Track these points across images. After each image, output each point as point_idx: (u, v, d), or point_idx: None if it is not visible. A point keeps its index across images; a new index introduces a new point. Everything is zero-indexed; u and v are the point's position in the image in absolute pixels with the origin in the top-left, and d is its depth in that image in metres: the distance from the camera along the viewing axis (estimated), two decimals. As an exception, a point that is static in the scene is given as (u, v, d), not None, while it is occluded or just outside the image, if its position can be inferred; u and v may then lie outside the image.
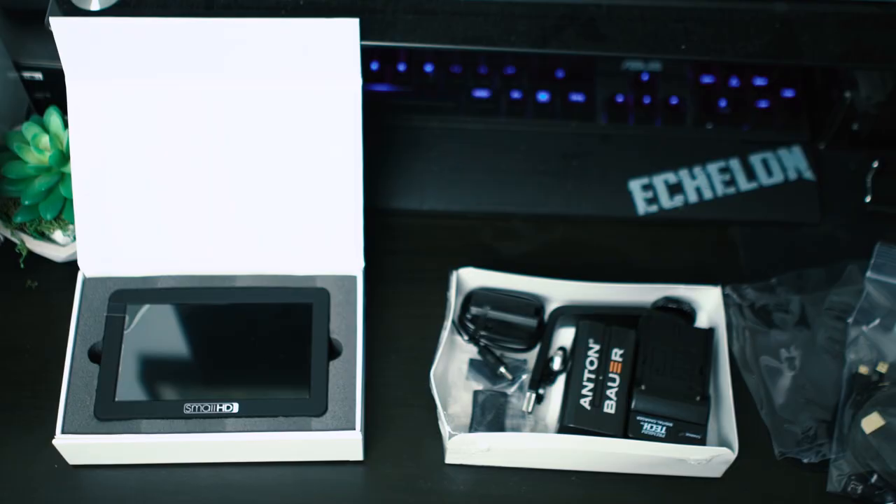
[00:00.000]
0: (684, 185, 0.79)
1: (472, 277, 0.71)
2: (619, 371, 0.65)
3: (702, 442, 0.64)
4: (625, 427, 0.64)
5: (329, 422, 0.64)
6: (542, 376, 0.69)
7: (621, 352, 0.65)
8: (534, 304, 0.71)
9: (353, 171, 0.69)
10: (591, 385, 0.64)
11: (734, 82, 0.83)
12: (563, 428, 0.64)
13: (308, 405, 0.64)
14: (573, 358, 0.66)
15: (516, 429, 0.67)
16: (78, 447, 0.63)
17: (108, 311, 0.67)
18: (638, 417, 0.64)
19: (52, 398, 0.64)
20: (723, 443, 0.66)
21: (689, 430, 0.64)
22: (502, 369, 0.69)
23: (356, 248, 0.69)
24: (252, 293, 0.68)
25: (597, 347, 0.66)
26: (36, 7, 0.70)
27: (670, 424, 0.64)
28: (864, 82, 0.79)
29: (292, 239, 0.69)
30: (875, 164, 0.81)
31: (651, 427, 0.64)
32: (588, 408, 0.63)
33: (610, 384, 0.64)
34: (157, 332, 0.67)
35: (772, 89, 0.83)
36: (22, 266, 0.74)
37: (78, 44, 0.65)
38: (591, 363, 0.65)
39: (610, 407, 0.63)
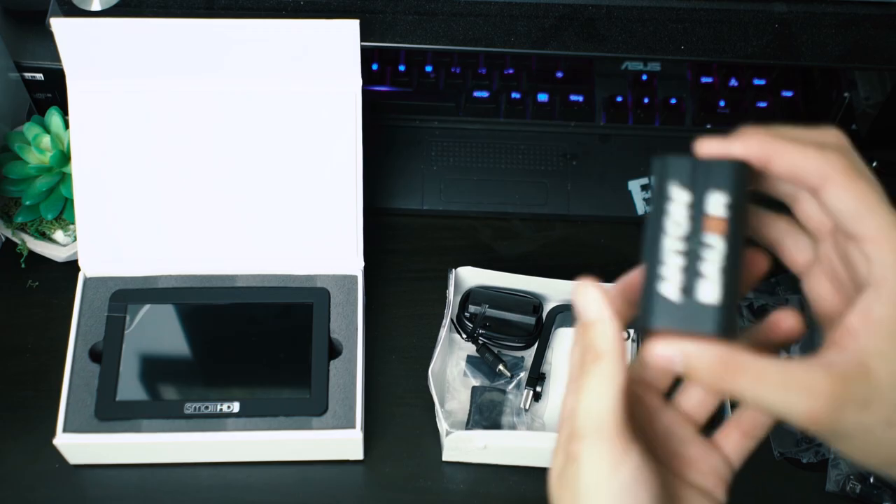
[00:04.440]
0: (683, 185, 0.79)
1: (470, 276, 0.71)
2: (721, 231, 0.38)
3: None
4: (730, 321, 0.38)
5: (329, 421, 0.64)
6: (540, 374, 0.69)
7: (724, 199, 0.38)
8: (532, 303, 0.71)
9: (352, 172, 0.69)
10: (677, 259, 0.39)
11: (733, 83, 0.83)
12: (644, 330, 0.40)
13: (308, 404, 0.64)
14: (649, 218, 0.40)
15: (514, 426, 0.67)
16: (79, 447, 0.64)
17: (108, 310, 0.67)
18: None
19: (52, 398, 0.64)
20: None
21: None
22: (500, 367, 0.69)
23: (356, 248, 0.69)
24: (252, 293, 0.68)
25: (684, 196, 0.39)
26: (37, 8, 0.70)
27: None
28: (862, 83, 0.79)
29: (292, 239, 0.69)
30: (874, 164, 0.81)
31: None
32: (675, 298, 0.38)
33: (705, 253, 0.39)
34: (158, 331, 0.67)
35: (771, 90, 0.83)
36: (23, 266, 0.74)
37: (79, 44, 0.65)
38: (676, 223, 0.39)
39: (709, 292, 0.38)
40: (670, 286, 0.38)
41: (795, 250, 0.43)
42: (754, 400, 0.36)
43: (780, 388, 0.36)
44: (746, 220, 0.39)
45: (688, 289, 0.38)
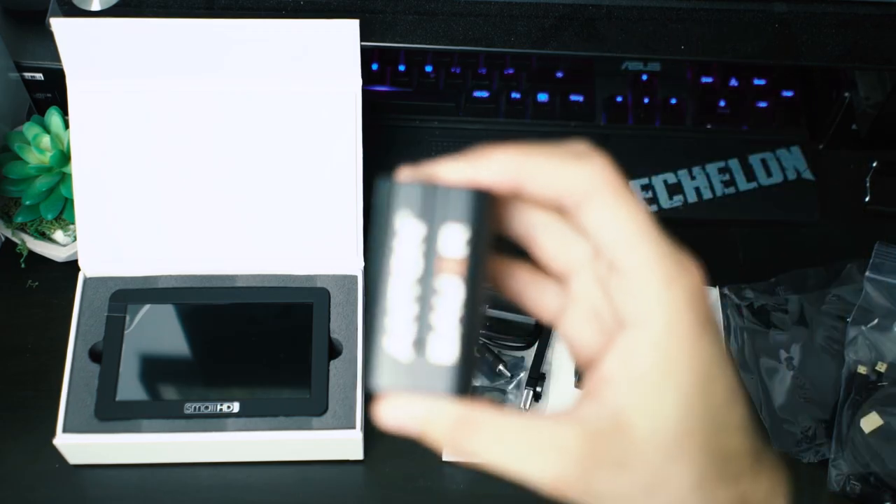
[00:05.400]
0: (683, 185, 0.79)
1: (471, 277, 0.71)
2: (458, 272, 0.32)
3: None
4: (467, 377, 0.33)
5: (329, 421, 0.64)
6: (540, 374, 0.69)
7: (463, 235, 0.33)
8: (533, 304, 0.71)
9: (352, 172, 0.69)
10: (407, 308, 0.32)
11: (733, 83, 0.83)
12: (371, 391, 0.33)
13: (308, 405, 0.64)
14: (372, 255, 0.33)
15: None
16: (78, 447, 0.64)
17: (108, 310, 0.67)
18: None
19: (52, 398, 0.64)
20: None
21: None
22: (501, 367, 0.69)
23: (356, 248, 0.69)
24: (252, 293, 0.68)
25: (416, 231, 0.33)
26: (37, 7, 0.70)
27: None
28: (862, 82, 0.79)
29: (293, 239, 0.69)
30: (874, 164, 0.81)
31: None
32: (404, 357, 0.32)
33: (442, 301, 0.32)
34: (158, 331, 0.67)
35: (771, 90, 0.83)
36: (23, 266, 0.74)
37: (79, 44, 0.65)
38: (405, 262, 0.33)
39: (443, 350, 0.32)
40: (398, 342, 0.32)
41: (541, 299, 0.36)
42: (498, 461, 0.32)
43: (523, 447, 0.31)
44: (487, 256, 0.33)
45: (419, 344, 0.32)
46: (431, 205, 0.32)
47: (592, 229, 0.33)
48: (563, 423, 0.31)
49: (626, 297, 0.32)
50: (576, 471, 0.31)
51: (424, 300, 0.32)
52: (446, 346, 0.32)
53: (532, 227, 0.35)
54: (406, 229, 0.32)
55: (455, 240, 0.32)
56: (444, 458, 0.67)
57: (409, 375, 0.32)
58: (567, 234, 0.35)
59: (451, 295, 0.32)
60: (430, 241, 0.32)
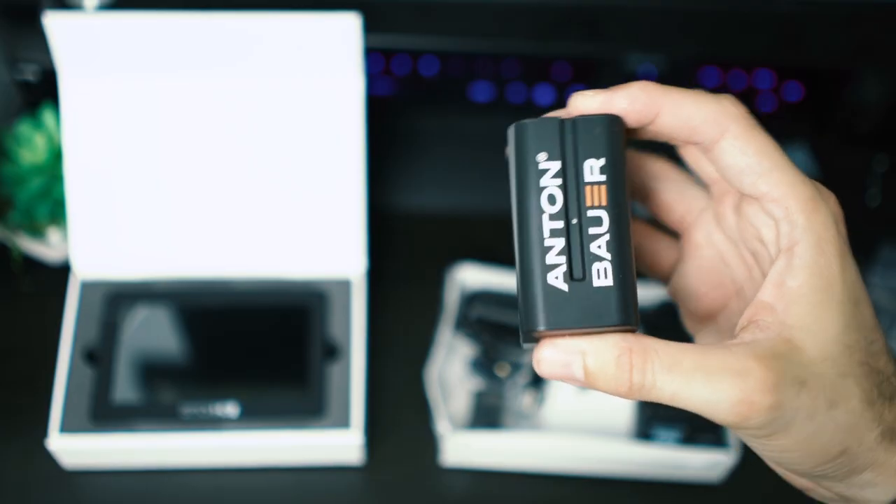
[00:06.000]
0: (686, 185, 0.79)
1: (471, 276, 0.70)
2: (601, 202, 0.33)
3: (719, 442, 0.64)
4: (630, 306, 0.32)
5: (328, 424, 0.63)
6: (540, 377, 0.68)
7: (599, 163, 0.33)
8: (535, 305, 0.70)
9: (355, 171, 0.68)
10: (558, 240, 0.33)
11: (736, 82, 0.83)
12: (528, 336, 0.33)
13: (307, 408, 0.64)
14: (517, 197, 0.34)
15: (514, 429, 0.66)
16: (73, 450, 0.63)
17: (103, 313, 0.66)
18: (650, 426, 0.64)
19: (47, 401, 0.64)
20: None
21: (704, 433, 0.64)
22: (501, 368, 0.68)
23: (357, 249, 0.68)
24: (251, 294, 0.68)
25: (555, 166, 0.33)
26: (29, 3, 0.70)
27: (682, 431, 0.64)
28: (867, 82, 0.79)
29: (293, 240, 0.68)
30: (878, 164, 0.81)
31: (665, 433, 0.64)
32: (565, 287, 0.32)
33: (593, 229, 0.33)
34: (154, 334, 0.66)
35: (773, 90, 0.82)
36: (17, 268, 0.73)
37: (71, 40, 0.64)
38: (551, 198, 0.33)
39: (603, 274, 0.32)
40: (558, 276, 0.32)
41: (657, 254, 0.37)
42: (674, 394, 0.31)
43: (702, 375, 0.30)
44: (626, 180, 0.33)
45: (578, 275, 0.32)
46: (570, 137, 0.33)
47: (729, 161, 0.33)
48: (737, 349, 0.31)
49: (771, 223, 0.33)
50: (761, 391, 0.30)
51: (578, 231, 0.32)
52: (606, 274, 0.32)
53: (650, 177, 0.36)
54: (546, 164, 0.33)
55: (596, 167, 0.33)
56: (444, 462, 0.66)
57: (572, 310, 0.32)
58: (685, 181, 0.36)
59: (602, 222, 0.32)
60: (572, 172, 0.33)
